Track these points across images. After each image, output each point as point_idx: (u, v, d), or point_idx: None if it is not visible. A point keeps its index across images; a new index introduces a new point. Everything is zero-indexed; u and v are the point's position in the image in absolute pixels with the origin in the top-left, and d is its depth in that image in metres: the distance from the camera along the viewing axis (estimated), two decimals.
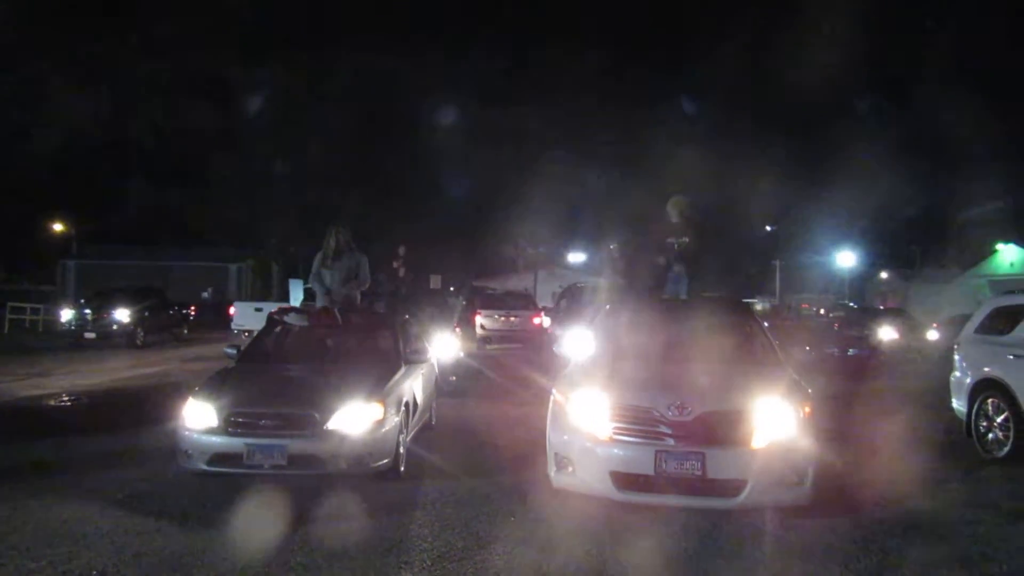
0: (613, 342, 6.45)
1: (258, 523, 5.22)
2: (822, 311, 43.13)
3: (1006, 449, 7.40)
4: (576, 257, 46.25)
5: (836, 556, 4.72)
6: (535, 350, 18.98)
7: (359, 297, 8.10)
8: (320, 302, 7.76)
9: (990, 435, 7.67)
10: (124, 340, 19.59)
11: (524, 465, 6.88)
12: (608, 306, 7.11)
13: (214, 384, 6.32)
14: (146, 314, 20.66)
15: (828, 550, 4.85)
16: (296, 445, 5.65)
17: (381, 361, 6.98)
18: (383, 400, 6.09)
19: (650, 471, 5.04)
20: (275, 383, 6.40)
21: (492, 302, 22.00)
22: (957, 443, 8.15)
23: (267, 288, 43.37)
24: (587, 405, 5.38)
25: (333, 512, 5.48)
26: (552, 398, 5.76)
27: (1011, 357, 7.51)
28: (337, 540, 4.86)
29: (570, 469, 5.36)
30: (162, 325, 22.01)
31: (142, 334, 20.09)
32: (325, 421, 5.76)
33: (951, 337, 25.47)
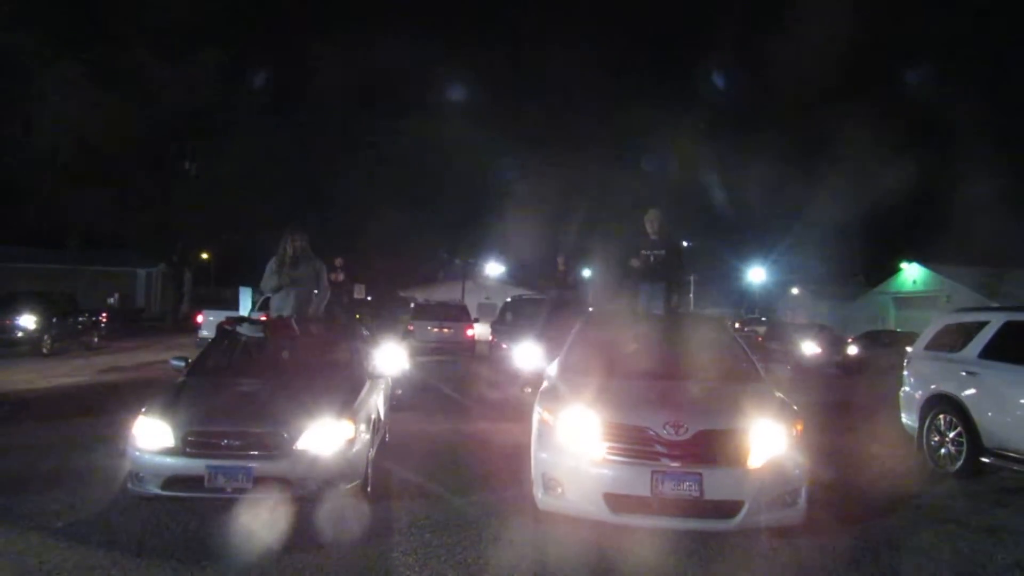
0: (594, 357, 6.26)
1: (225, 553, 4.77)
2: (737, 324, 44.46)
3: (959, 464, 7.58)
4: (494, 269, 46.06)
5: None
6: (474, 362, 18.73)
7: (320, 306, 7.64)
8: (275, 312, 7.27)
9: (942, 450, 7.85)
10: (29, 348, 18.25)
11: (493, 484, 6.65)
12: (584, 320, 6.90)
13: (167, 400, 5.79)
14: (54, 320, 19.33)
15: (824, 570, 4.80)
16: (263, 466, 5.22)
17: (344, 375, 6.60)
18: (353, 417, 5.72)
19: (646, 492, 4.87)
20: (235, 399, 5.92)
21: (425, 313, 21.60)
22: (909, 457, 8.32)
23: (179, 295, 41.54)
24: (577, 424, 5.17)
25: (306, 539, 5.07)
26: (537, 416, 5.52)
27: (964, 374, 7.71)
28: (317, 572, 4.50)
29: (559, 490, 5.14)
30: (71, 333, 20.64)
31: (49, 342, 18.77)
32: (294, 440, 5.35)
33: (870, 352, 26.63)
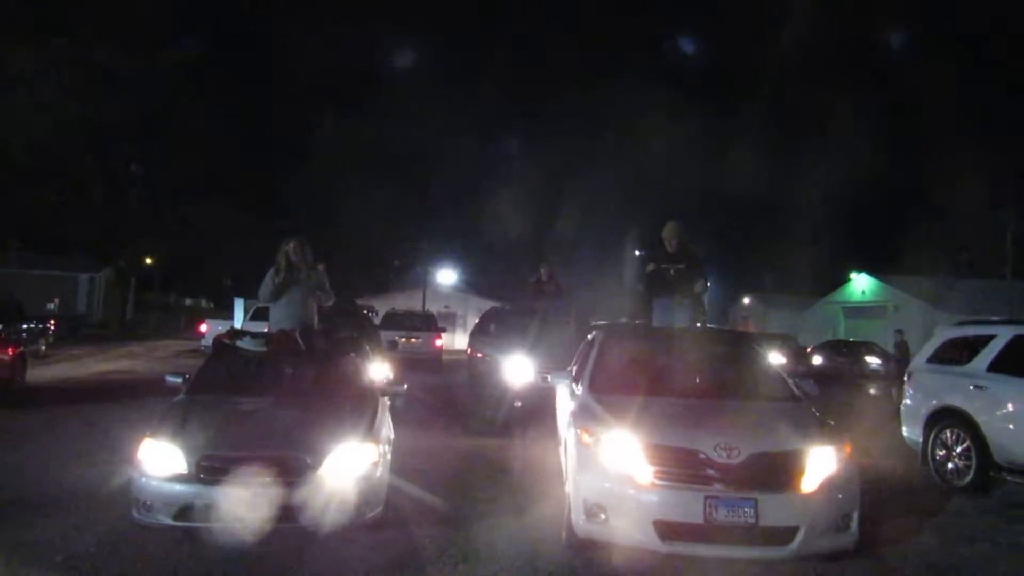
0: (624, 375, 6.02)
1: None
2: None
3: (968, 479, 7.55)
4: (447, 277, 45.40)
5: None
6: (449, 373, 18.34)
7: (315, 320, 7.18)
8: (275, 326, 6.79)
9: (949, 465, 7.83)
10: None
11: (512, 506, 6.36)
12: (605, 335, 6.64)
13: (174, 421, 5.35)
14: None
15: None
16: (285, 494, 4.83)
17: (356, 393, 6.23)
18: (377, 439, 5.38)
19: (699, 519, 4.63)
20: (249, 420, 5.50)
21: (391, 322, 21.11)
22: (914, 472, 8.28)
23: (124, 303, 40.11)
24: (623, 446, 4.91)
25: (332, 573, 4.71)
26: (574, 437, 5.24)
27: (972, 388, 7.69)
28: None
29: (602, 517, 4.86)
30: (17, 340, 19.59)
31: None
32: (318, 465, 4.98)
33: (832, 362, 26.97)
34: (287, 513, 4.82)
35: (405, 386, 6.67)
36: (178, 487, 4.83)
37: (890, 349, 25.43)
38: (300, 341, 6.56)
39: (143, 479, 4.91)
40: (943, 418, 8.02)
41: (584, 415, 5.42)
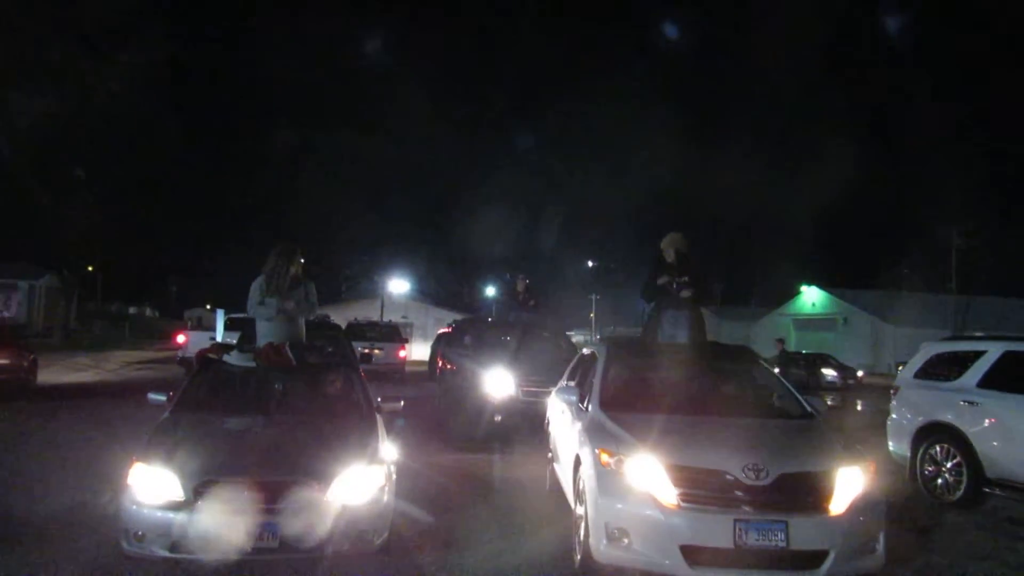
0: (635, 392, 5.83)
1: None
2: None
3: (959, 494, 7.57)
4: (399, 287, 44.78)
5: None
6: (417, 387, 17.94)
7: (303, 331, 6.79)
8: (263, 339, 6.42)
9: (939, 480, 7.84)
10: None
11: (515, 528, 6.15)
12: (611, 350, 6.44)
13: (164, 443, 4.97)
14: None
15: None
16: (290, 522, 4.51)
17: (353, 411, 5.92)
18: (383, 461, 5.09)
19: (729, 544, 4.46)
20: (247, 442, 5.15)
21: (355, 334, 20.63)
22: (902, 487, 8.26)
23: (67, 311, 38.62)
24: (646, 468, 4.72)
25: None
26: (591, 458, 5.02)
27: (963, 403, 7.72)
28: None
29: (625, 541, 4.66)
30: None
31: None
32: (324, 490, 4.67)
33: (793, 376, 27.33)
34: (294, 542, 4.51)
35: (402, 402, 6.37)
36: (174, 516, 4.47)
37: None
38: (291, 355, 6.22)
39: (134, 507, 4.54)
40: (933, 433, 8.04)
41: (600, 435, 5.21)
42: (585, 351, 7.45)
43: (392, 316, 36.40)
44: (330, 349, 7.49)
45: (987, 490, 7.36)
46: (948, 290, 37.30)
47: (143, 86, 33.12)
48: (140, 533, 4.48)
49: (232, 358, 6.19)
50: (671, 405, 5.54)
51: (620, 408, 5.59)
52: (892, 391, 9.07)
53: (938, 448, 7.93)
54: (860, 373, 29.34)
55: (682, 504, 4.60)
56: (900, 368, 29.30)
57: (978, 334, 9.66)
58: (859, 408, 20.38)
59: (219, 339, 16.28)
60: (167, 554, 4.46)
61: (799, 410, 5.76)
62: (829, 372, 27.20)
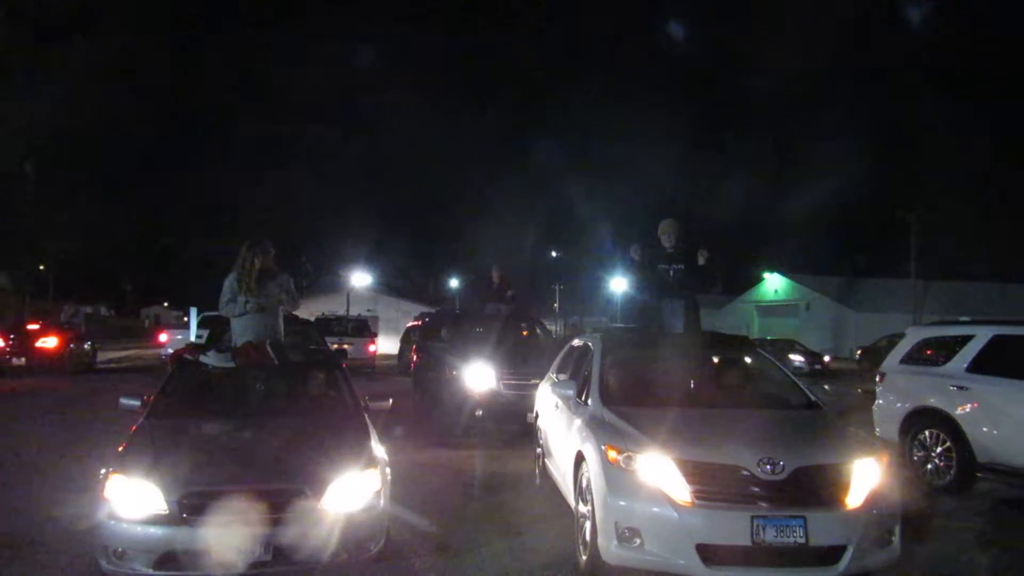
0: (637, 385, 5.63)
1: None
2: None
3: (948, 478, 7.55)
4: (361, 280, 44.08)
5: None
6: (383, 380, 17.62)
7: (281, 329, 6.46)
8: (240, 338, 6.08)
9: (928, 465, 7.81)
10: None
11: (512, 529, 5.92)
12: (607, 342, 6.22)
13: (142, 451, 4.64)
14: None
15: None
16: (284, 533, 4.23)
17: (341, 412, 5.64)
18: (378, 465, 4.82)
19: (746, 541, 4.29)
20: (231, 447, 4.84)
21: (323, 328, 20.19)
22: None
23: (21, 311, 37.30)
24: (658, 465, 4.52)
25: None
26: (598, 455, 4.81)
27: (953, 388, 7.68)
28: None
29: (637, 542, 4.46)
30: None
31: None
32: (319, 498, 4.39)
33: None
34: (287, 553, 4.23)
35: (390, 401, 6.09)
36: (157, 530, 4.16)
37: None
38: (272, 354, 5.91)
39: (112, 522, 4.21)
40: (921, 419, 8.00)
41: (606, 430, 5.00)
42: (576, 342, 7.23)
43: (358, 309, 35.91)
44: (312, 347, 7.17)
45: (979, 475, 7.34)
46: (906, 275, 37.94)
47: (93, 79, 32.12)
48: (120, 550, 4.16)
49: (209, 358, 5.85)
50: (675, 398, 5.37)
51: (622, 402, 5.39)
52: (878, 377, 9.02)
53: (927, 433, 7.89)
54: (827, 358, 29.65)
55: (697, 501, 4.42)
56: (859, 353, 29.82)
57: (964, 319, 9.67)
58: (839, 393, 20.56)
59: (192, 338, 15.78)
60: (151, 572, 4.13)
61: (804, 400, 5.62)
62: (796, 358, 27.44)
